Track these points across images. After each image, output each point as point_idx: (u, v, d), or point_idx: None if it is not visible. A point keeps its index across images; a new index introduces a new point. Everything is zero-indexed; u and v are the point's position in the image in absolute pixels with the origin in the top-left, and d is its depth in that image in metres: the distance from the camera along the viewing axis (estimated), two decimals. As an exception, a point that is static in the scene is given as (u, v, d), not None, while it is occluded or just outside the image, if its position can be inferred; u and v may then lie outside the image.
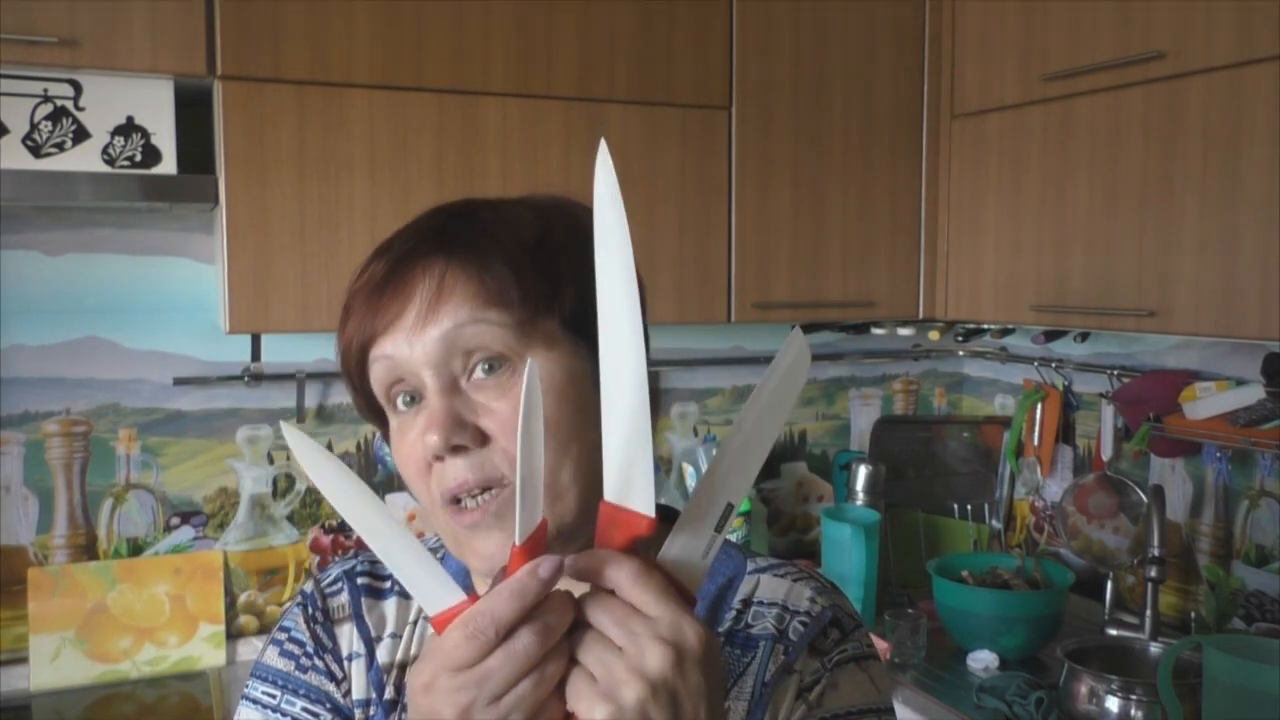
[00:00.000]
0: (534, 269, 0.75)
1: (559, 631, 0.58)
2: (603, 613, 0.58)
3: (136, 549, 2.09)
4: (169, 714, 1.96)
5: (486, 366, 0.73)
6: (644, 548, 0.60)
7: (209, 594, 2.11)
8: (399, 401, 0.76)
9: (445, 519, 0.74)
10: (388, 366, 0.75)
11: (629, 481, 0.60)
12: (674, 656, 0.56)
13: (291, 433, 0.63)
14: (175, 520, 2.11)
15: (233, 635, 2.14)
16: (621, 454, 0.60)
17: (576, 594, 0.60)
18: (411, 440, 0.74)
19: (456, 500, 0.73)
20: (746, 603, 0.82)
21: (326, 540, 2.21)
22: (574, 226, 0.79)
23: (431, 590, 0.61)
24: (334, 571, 0.91)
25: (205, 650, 2.10)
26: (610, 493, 0.60)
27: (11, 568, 2.00)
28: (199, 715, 1.94)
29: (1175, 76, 1.76)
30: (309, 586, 0.90)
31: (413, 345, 0.73)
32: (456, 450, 0.72)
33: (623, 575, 0.58)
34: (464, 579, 0.85)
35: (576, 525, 0.74)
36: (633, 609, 0.57)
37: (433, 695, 0.57)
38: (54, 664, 2.00)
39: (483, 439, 0.72)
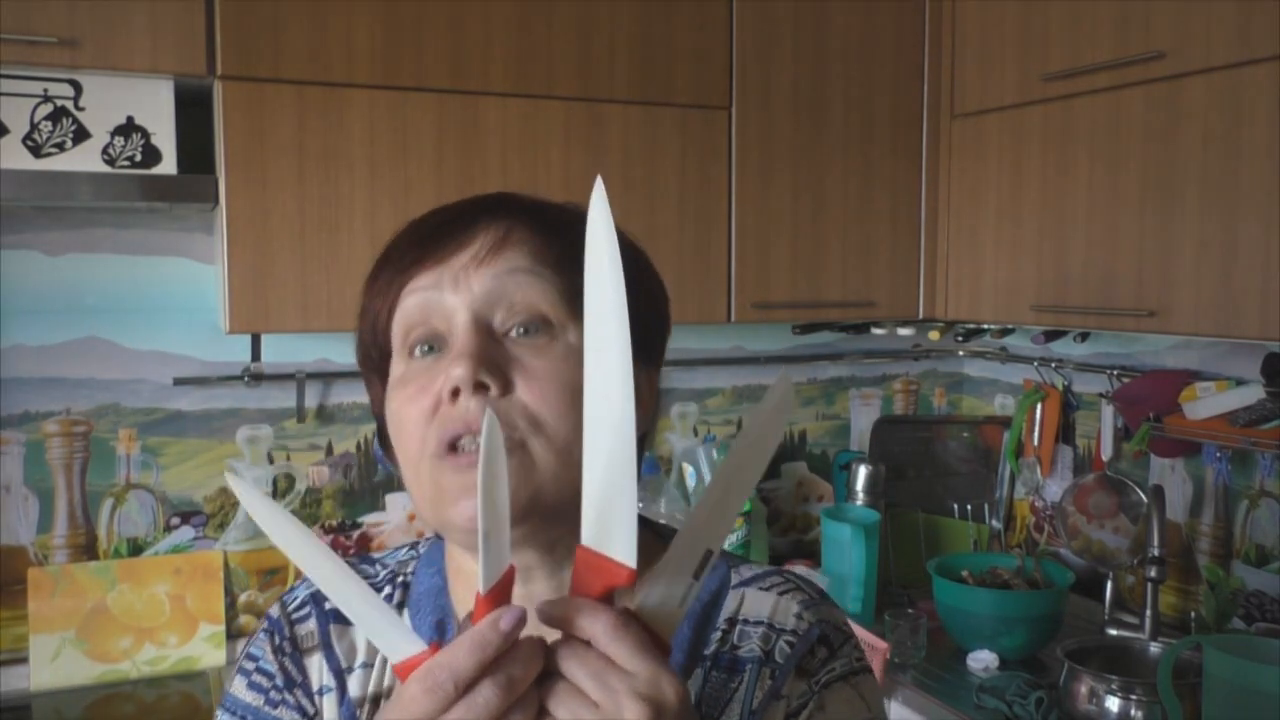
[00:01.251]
0: None
1: (524, 683, 0.56)
2: (578, 665, 0.56)
3: (136, 549, 2.09)
4: (169, 714, 1.96)
5: (523, 329, 0.71)
6: (620, 595, 0.58)
7: (209, 594, 2.11)
8: (416, 349, 0.73)
9: (432, 469, 0.70)
10: (419, 303, 0.72)
11: (608, 528, 0.58)
12: (651, 713, 0.55)
13: (238, 484, 0.61)
14: (175, 520, 2.11)
15: (233, 635, 2.14)
16: (602, 498, 0.58)
17: (549, 637, 0.58)
18: (424, 385, 0.71)
19: (454, 447, 0.69)
20: (732, 621, 0.79)
21: (326, 540, 2.21)
22: (630, 249, 0.77)
23: (392, 639, 0.59)
24: (300, 593, 0.85)
25: (205, 650, 2.10)
26: (588, 536, 0.58)
27: (11, 568, 2.00)
28: (199, 715, 1.93)
29: (1175, 76, 1.76)
30: (275, 611, 0.85)
31: (459, 284, 0.71)
32: (478, 388, 0.68)
33: (599, 627, 0.56)
34: (436, 598, 0.82)
35: (567, 510, 0.72)
36: (609, 662, 0.56)
37: None
38: (54, 664, 2.00)
39: (506, 387, 0.69)
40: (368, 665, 0.81)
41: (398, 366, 0.74)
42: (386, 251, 0.77)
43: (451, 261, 0.72)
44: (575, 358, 0.69)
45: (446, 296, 0.72)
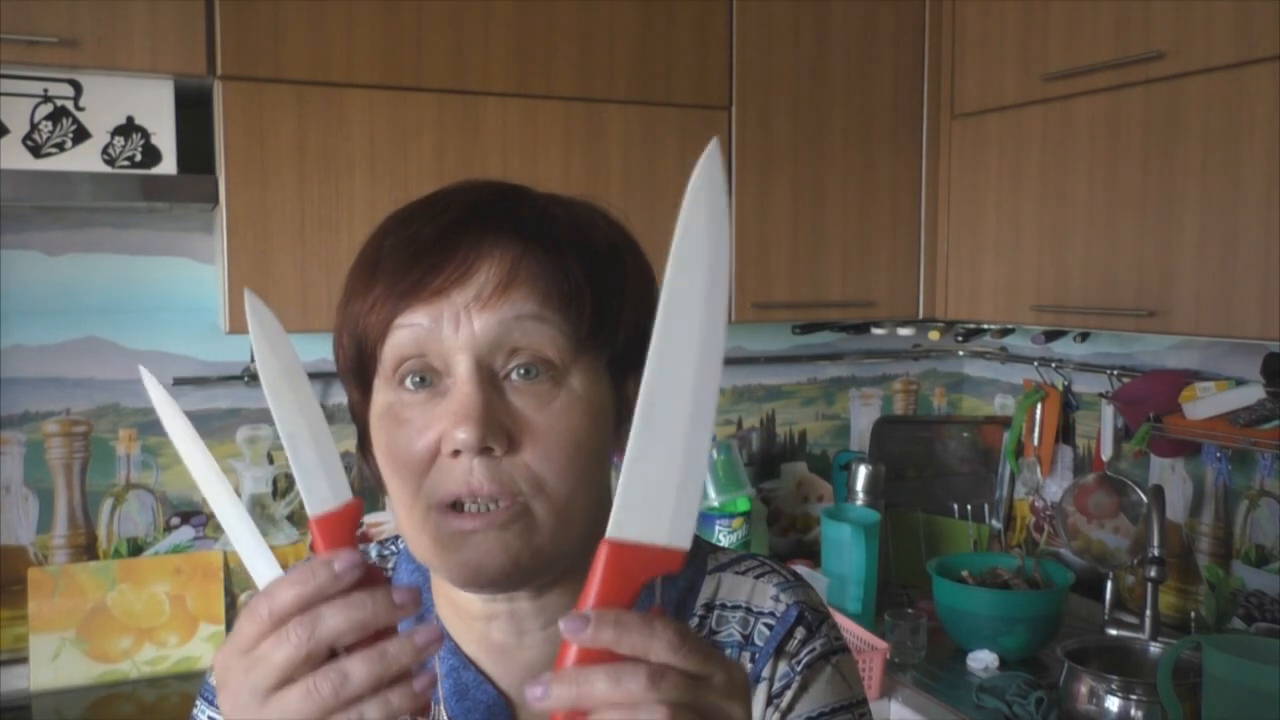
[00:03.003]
0: (607, 281, 0.70)
1: (338, 635, 0.53)
2: (666, 690, 0.50)
3: (136, 549, 2.09)
4: (169, 714, 1.96)
5: (524, 371, 0.67)
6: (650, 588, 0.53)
7: (209, 594, 2.11)
8: (407, 380, 0.68)
9: (431, 522, 0.68)
10: (415, 337, 0.67)
11: (681, 513, 0.52)
12: (744, 709, 0.53)
13: (150, 381, 0.63)
14: (175, 520, 2.11)
15: (233, 635, 2.14)
16: (655, 470, 0.52)
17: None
18: (419, 428, 0.67)
19: (454, 504, 0.67)
20: (709, 607, 0.79)
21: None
22: (642, 258, 0.75)
23: (256, 563, 0.60)
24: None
25: (205, 650, 2.10)
26: (621, 525, 0.52)
27: (11, 568, 2.00)
28: (199, 715, 1.94)
29: (1175, 76, 1.76)
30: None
31: (460, 323, 0.66)
32: (483, 451, 0.65)
33: (660, 645, 0.50)
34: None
35: (576, 560, 0.70)
36: (687, 676, 0.51)
37: (224, 674, 0.55)
38: (54, 664, 2.00)
39: (511, 447, 0.66)
40: None
41: (385, 393, 0.70)
42: (375, 259, 0.70)
43: (453, 297, 0.67)
44: (579, 407, 0.68)
45: (445, 335, 0.67)
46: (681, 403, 0.51)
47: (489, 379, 0.67)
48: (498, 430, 0.65)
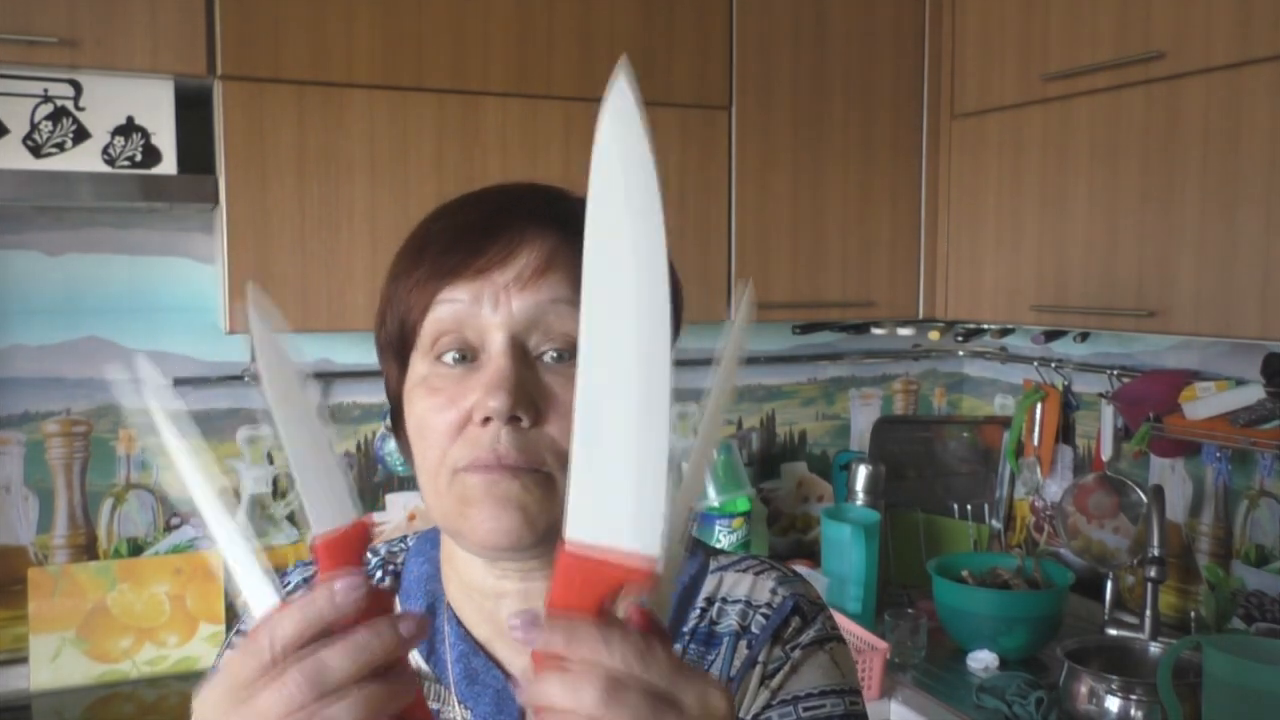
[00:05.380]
0: None
1: (342, 676, 0.49)
2: (613, 691, 0.47)
3: (136, 549, 2.09)
4: (169, 714, 1.96)
5: (556, 354, 0.71)
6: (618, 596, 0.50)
7: (209, 594, 2.11)
8: (447, 356, 0.71)
9: (452, 481, 0.70)
10: (454, 313, 0.71)
11: (646, 518, 0.49)
12: None
13: (151, 385, 0.59)
14: (175, 520, 2.11)
15: (233, 635, 2.14)
16: (604, 468, 0.49)
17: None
18: (452, 397, 0.70)
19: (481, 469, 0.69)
20: (710, 600, 0.82)
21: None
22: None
23: (254, 590, 0.54)
24: (294, 578, 0.86)
25: (205, 650, 2.10)
26: (578, 527, 0.48)
27: (11, 568, 2.00)
28: (199, 715, 1.93)
29: (1175, 76, 1.76)
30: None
31: (499, 303, 0.70)
32: (511, 421, 0.68)
33: (623, 655, 0.47)
34: (426, 584, 0.82)
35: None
36: (655, 695, 0.47)
37: (215, 713, 0.51)
38: (54, 664, 2.00)
39: (538, 419, 0.69)
40: None
41: (421, 365, 0.73)
42: (423, 242, 0.74)
43: (494, 277, 0.71)
44: None
45: (484, 313, 0.71)
46: (623, 388, 0.48)
47: (522, 355, 0.70)
48: (527, 401, 0.68)
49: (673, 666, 0.48)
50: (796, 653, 0.79)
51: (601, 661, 0.47)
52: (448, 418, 0.70)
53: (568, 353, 0.70)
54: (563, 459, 0.69)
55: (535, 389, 0.69)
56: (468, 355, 0.71)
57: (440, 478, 0.71)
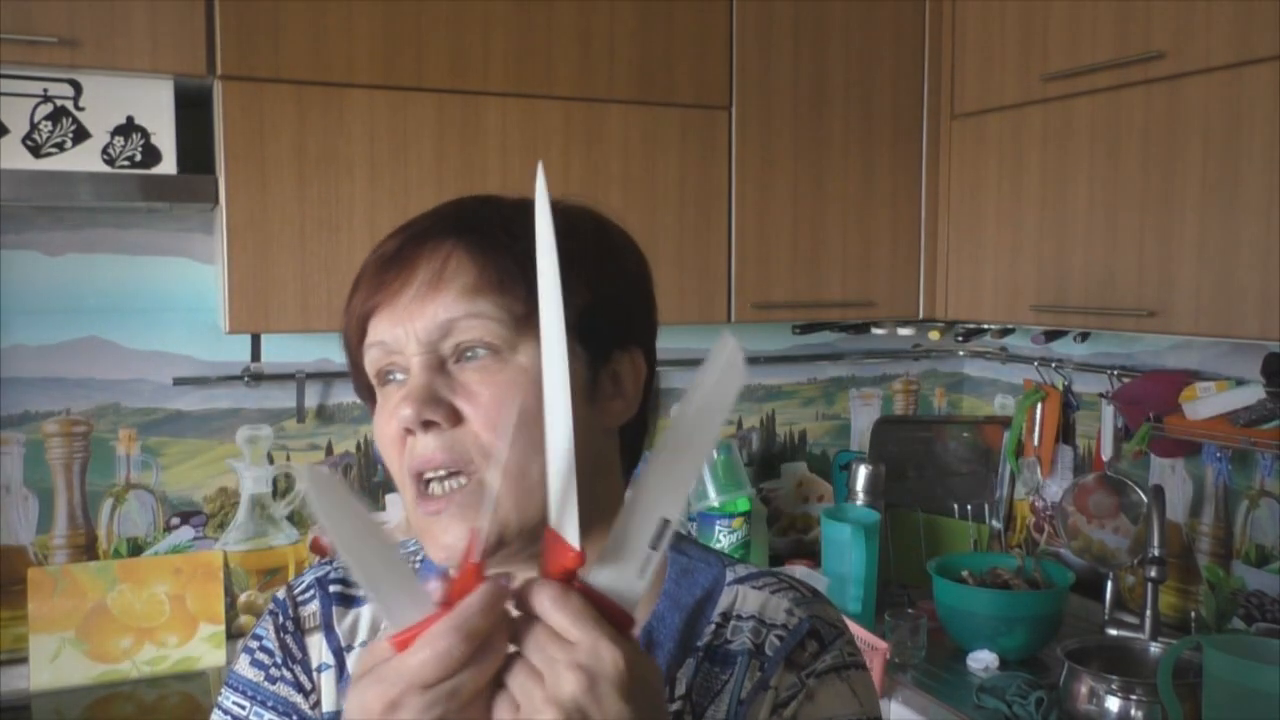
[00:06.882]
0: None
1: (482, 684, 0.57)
2: (528, 638, 0.57)
3: (136, 549, 2.09)
4: (169, 714, 1.96)
5: (469, 354, 0.73)
6: (583, 574, 0.59)
7: (209, 594, 2.11)
8: (387, 378, 0.76)
9: (412, 501, 0.74)
10: (382, 351, 0.75)
11: (563, 513, 0.59)
12: (587, 683, 0.55)
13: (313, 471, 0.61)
14: (175, 520, 2.11)
15: (233, 635, 2.14)
16: (559, 484, 0.60)
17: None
18: (389, 414, 0.74)
19: (424, 480, 0.72)
20: (726, 616, 0.81)
21: (327, 540, 2.21)
22: (600, 231, 0.79)
23: (398, 605, 0.59)
24: (307, 578, 0.90)
25: (205, 650, 2.10)
26: (551, 519, 0.60)
27: (11, 568, 2.00)
28: (199, 715, 1.93)
29: (1175, 76, 1.76)
30: (282, 594, 0.89)
31: (405, 328, 0.74)
32: (428, 426, 0.71)
33: (544, 601, 0.57)
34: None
35: (539, 528, 0.72)
36: (552, 634, 0.57)
37: (400, 712, 0.56)
38: (54, 664, 2.00)
39: (456, 419, 0.72)
40: (367, 645, 0.84)
41: (379, 395, 0.78)
42: (359, 277, 0.79)
43: (400, 298, 0.74)
44: (525, 378, 0.72)
45: (400, 335, 0.74)
46: (549, 396, 0.61)
47: (438, 365, 0.73)
48: (435, 405, 0.71)
49: (578, 613, 0.56)
50: (812, 680, 0.78)
51: (540, 609, 0.57)
52: (389, 433, 0.74)
53: (475, 350, 0.73)
54: (486, 455, 0.71)
55: (452, 391, 0.72)
56: (403, 374, 0.75)
57: (406, 495, 0.74)
